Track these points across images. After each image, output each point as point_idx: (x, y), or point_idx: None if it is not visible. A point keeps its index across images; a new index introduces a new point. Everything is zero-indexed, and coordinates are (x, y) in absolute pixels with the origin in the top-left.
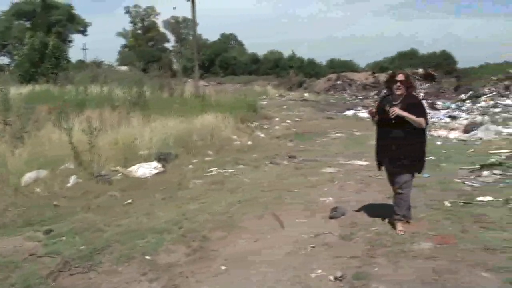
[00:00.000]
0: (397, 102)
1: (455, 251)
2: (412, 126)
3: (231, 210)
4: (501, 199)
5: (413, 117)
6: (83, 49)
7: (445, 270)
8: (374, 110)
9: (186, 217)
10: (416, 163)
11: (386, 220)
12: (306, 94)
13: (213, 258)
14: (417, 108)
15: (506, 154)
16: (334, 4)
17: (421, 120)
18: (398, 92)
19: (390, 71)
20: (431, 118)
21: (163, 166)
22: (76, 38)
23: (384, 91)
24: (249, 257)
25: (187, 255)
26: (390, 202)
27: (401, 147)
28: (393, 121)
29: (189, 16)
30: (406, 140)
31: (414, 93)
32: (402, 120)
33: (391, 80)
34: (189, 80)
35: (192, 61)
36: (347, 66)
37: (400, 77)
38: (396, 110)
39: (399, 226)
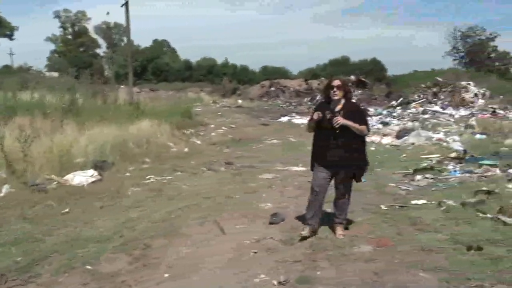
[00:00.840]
0: (338, 109)
1: (394, 252)
2: (354, 133)
3: (171, 217)
4: (434, 202)
5: (356, 126)
6: (10, 54)
7: (385, 271)
8: (321, 115)
9: (126, 225)
10: (359, 169)
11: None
12: (240, 101)
13: (156, 266)
14: (359, 115)
15: (437, 158)
16: (267, 11)
17: (363, 127)
18: (336, 98)
19: (323, 78)
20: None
21: (100, 174)
22: (2, 42)
23: (319, 97)
24: (192, 264)
25: (130, 264)
26: (328, 207)
27: (344, 153)
28: (337, 131)
29: (121, 21)
30: (348, 147)
31: (352, 100)
32: (344, 127)
33: (328, 86)
34: (122, 86)
35: (125, 68)
36: (280, 73)
37: (337, 82)
38: (340, 120)
39: (339, 230)
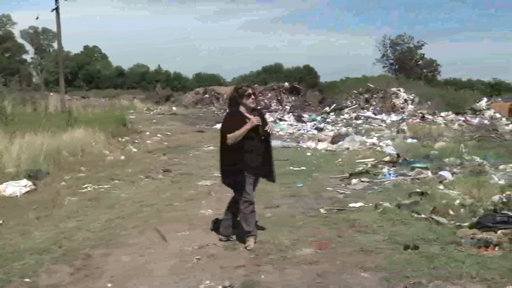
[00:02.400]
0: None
1: (335, 254)
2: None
3: (111, 226)
4: (371, 204)
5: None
6: None
7: (327, 273)
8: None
9: (65, 235)
10: (271, 171)
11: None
12: (174, 108)
13: (98, 275)
14: (266, 121)
15: (372, 162)
16: (203, 18)
17: None
18: (253, 105)
19: (257, 85)
20: (299, 130)
21: (34, 184)
22: None
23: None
24: (135, 272)
25: (71, 275)
26: (268, 212)
27: (266, 159)
28: (262, 137)
29: (49, 26)
30: (268, 152)
31: None
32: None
33: (245, 94)
34: (52, 94)
35: (54, 74)
36: (214, 80)
37: (252, 90)
38: (272, 127)
39: (251, 241)
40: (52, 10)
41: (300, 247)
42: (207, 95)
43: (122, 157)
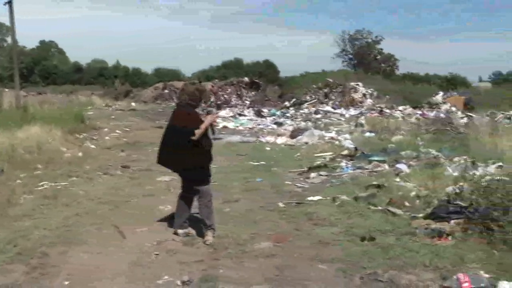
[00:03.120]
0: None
1: (293, 247)
2: None
3: (68, 224)
4: (329, 197)
5: None
6: None
7: (285, 266)
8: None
9: (20, 234)
10: None
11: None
12: (133, 104)
13: (55, 274)
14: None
15: (330, 156)
16: (161, 14)
17: None
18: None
19: (217, 80)
20: (259, 125)
21: None
22: None
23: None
24: (93, 270)
25: (27, 274)
26: (227, 206)
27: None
28: (213, 133)
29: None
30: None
31: None
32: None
33: (205, 91)
34: (6, 90)
35: (8, 70)
36: (174, 75)
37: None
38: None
39: (210, 236)
40: (5, 4)
41: (258, 241)
42: (166, 91)
43: (80, 154)
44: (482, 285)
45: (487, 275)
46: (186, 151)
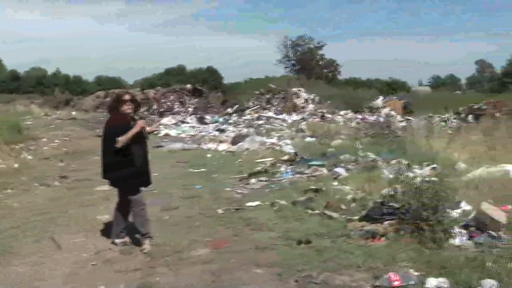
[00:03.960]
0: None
1: (230, 253)
2: None
3: (3, 237)
4: (267, 202)
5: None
6: None
7: (222, 271)
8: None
9: None
10: None
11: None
12: (74, 113)
13: None
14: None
15: (270, 162)
16: (101, 20)
17: None
18: (129, 111)
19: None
20: (201, 132)
21: None
22: None
23: (155, 106)
24: (28, 283)
25: None
26: (166, 214)
27: (147, 164)
28: (146, 140)
29: None
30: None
31: None
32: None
33: (121, 100)
34: None
35: None
36: (115, 83)
37: (128, 96)
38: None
39: (147, 244)
40: None
41: (196, 247)
42: (108, 99)
43: (16, 165)
44: (412, 282)
45: (417, 273)
46: (111, 159)
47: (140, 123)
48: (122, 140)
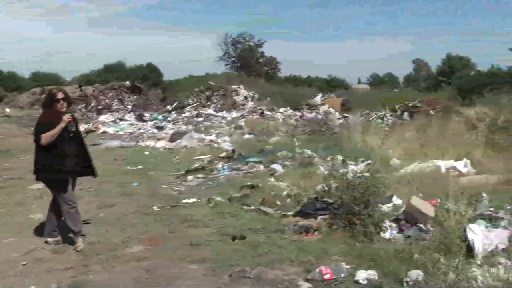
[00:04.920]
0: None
1: (165, 249)
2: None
3: None
4: (203, 199)
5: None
6: None
7: (156, 268)
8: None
9: None
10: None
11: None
12: (8, 110)
13: None
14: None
15: (208, 159)
16: (35, 14)
17: None
18: (64, 109)
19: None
20: (139, 129)
21: None
22: None
23: (93, 103)
24: None
25: None
26: (101, 211)
27: (78, 160)
28: (71, 135)
29: None
30: (85, 152)
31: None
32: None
33: (54, 99)
34: None
35: None
36: (52, 80)
37: (61, 95)
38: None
39: (80, 242)
40: None
41: (130, 245)
42: (44, 95)
43: None
44: (342, 275)
45: (347, 266)
46: (40, 157)
47: (64, 118)
48: (45, 136)
